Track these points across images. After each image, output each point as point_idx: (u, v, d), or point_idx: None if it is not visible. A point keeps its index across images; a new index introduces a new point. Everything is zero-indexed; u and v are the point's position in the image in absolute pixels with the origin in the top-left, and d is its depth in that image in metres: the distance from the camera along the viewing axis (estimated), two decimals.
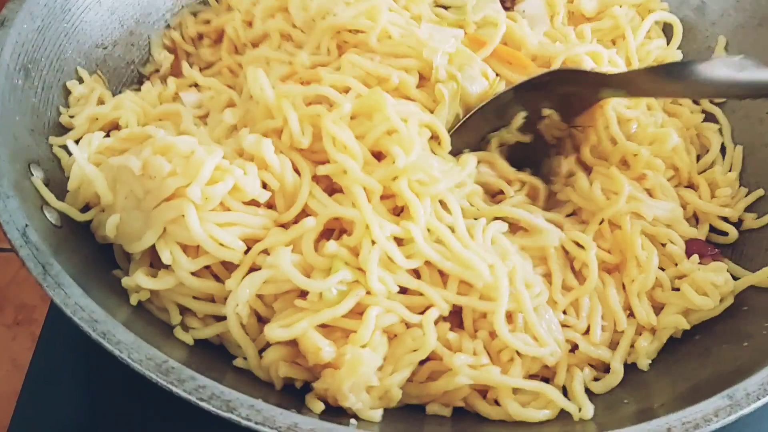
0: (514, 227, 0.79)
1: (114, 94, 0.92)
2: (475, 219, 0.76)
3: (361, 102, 0.76)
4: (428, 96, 0.83)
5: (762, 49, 0.93)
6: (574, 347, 0.75)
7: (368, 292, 0.69)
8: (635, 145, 0.86)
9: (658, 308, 0.78)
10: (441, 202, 0.75)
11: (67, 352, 0.87)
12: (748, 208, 0.88)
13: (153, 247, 0.71)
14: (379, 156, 0.76)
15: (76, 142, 0.79)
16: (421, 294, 0.71)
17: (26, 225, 0.67)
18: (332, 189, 0.76)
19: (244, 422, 0.55)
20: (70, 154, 0.80)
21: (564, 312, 0.76)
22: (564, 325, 0.75)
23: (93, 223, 0.76)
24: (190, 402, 0.56)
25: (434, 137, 0.79)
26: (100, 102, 0.89)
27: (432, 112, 0.81)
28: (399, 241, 0.72)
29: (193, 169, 0.68)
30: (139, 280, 0.70)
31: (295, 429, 0.55)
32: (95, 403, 0.83)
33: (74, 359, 0.86)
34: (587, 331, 0.75)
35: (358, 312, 0.69)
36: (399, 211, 0.75)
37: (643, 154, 0.85)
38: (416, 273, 0.73)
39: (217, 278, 0.73)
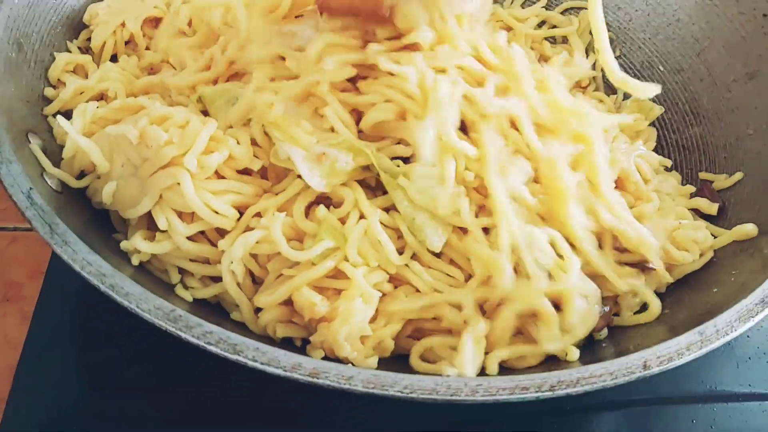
0: None
1: None
2: None
3: None
4: None
5: (728, 16, 0.98)
6: None
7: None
8: None
9: None
10: None
11: (62, 327, 0.88)
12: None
13: (149, 212, 0.74)
14: None
15: (67, 113, 0.82)
16: None
17: (30, 188, 0.69)
18: None
19: (251, 363, 0.58)
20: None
21: None
22: None
23: (89, 189, 0.79)
24: (199, 347, 0.59)
25: None
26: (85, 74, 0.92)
27: None
28: None
29: (189, 139, 0.72)
30: (137, 244, 0.73)
31: (299, 368, 0.58)
32: (90, 377, 0.84)
33: (69, 334, 0.88)
34: None
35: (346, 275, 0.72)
36: None
37: None
38: None
39: (212, 243, 0.76)
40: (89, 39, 0.96)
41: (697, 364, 0.83)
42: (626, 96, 1.04)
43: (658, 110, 1.01)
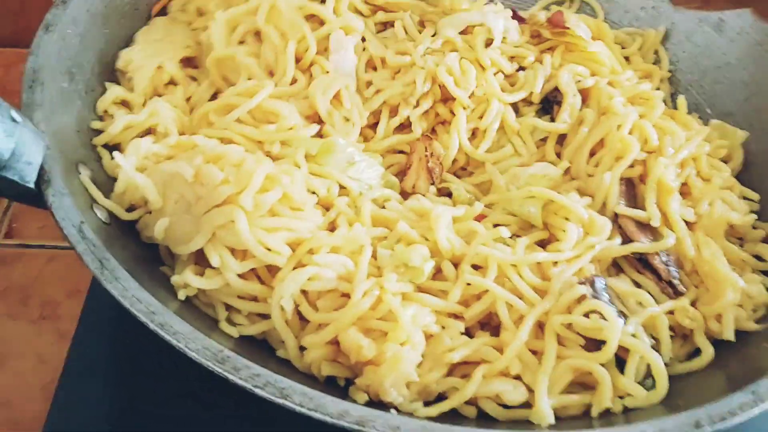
0: None
1: None
2: None
3: None
4: None
5: None
6: None
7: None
8: None
9: None
10: None
11: (101, 349, 0.89)
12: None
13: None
14: None
15: (114, 146, 0.84)
16: None
17: (81, 222, 0.70)
18: None
19: (298, 408, 0.59)
20: (112, 156, 0.83)
21: None
22: None
23: (139, 223, 0.80)
24: (245, 389, 0.60)
25: None
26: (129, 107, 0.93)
27: None
28: None
29: (245, 178, 0.72)
30: (188, 279, 0.73)
31: (345, 415, 0.58)
32: (128, 401, 0.85)
33: (108, 356, 0.89)
34: None
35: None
36: None
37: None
38: None
39: (261, 281, 0.76)
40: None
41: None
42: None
43: (741, 134, 0.97)
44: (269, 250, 0.73)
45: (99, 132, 0.87)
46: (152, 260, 0.79)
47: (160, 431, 0.82)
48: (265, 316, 0.75)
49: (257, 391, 0.60)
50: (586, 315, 0.72)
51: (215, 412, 0.82)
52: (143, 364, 0.85)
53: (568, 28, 0.98)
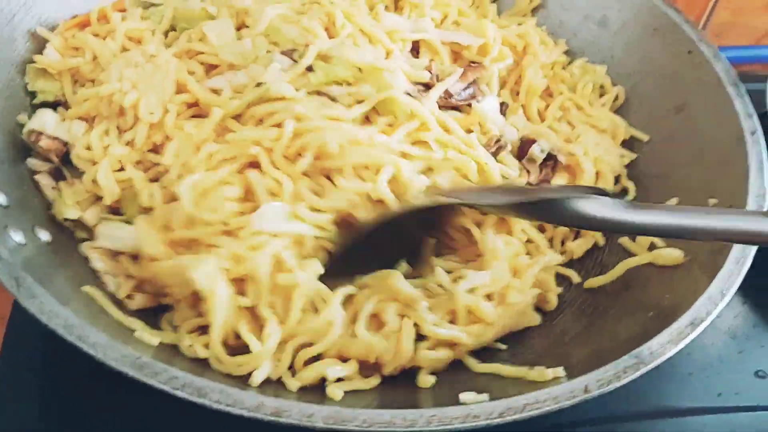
0: None
1: None
2: None
3: None
4: None
5: (657, 53, 1.05)
6: None
7: None
8: None
9: None
10: None
11: (27, 371, 0.89)
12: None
13: None
14: None
15: None
16: None
17: None
18: None
19: (215, 406, 0.61)
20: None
21: None
22: None
23: None
24: (166, 392, 0.62)
25: None
26: None
27: None
28: None
29: None
30: None
31: (262, 408, 0.61)
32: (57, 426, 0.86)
33: (36, 382, 0.89)
34: None
35: None
36: None
37: None
38: None
39: None
40: None
41: (643, 381, 0.90)
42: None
43: (601, 68, 1.08)
44: None
45: None
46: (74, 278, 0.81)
47: None
48: None
49: (177, 392, 0.62)
50: None
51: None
52: (71, 388, 0.86)
53: None
